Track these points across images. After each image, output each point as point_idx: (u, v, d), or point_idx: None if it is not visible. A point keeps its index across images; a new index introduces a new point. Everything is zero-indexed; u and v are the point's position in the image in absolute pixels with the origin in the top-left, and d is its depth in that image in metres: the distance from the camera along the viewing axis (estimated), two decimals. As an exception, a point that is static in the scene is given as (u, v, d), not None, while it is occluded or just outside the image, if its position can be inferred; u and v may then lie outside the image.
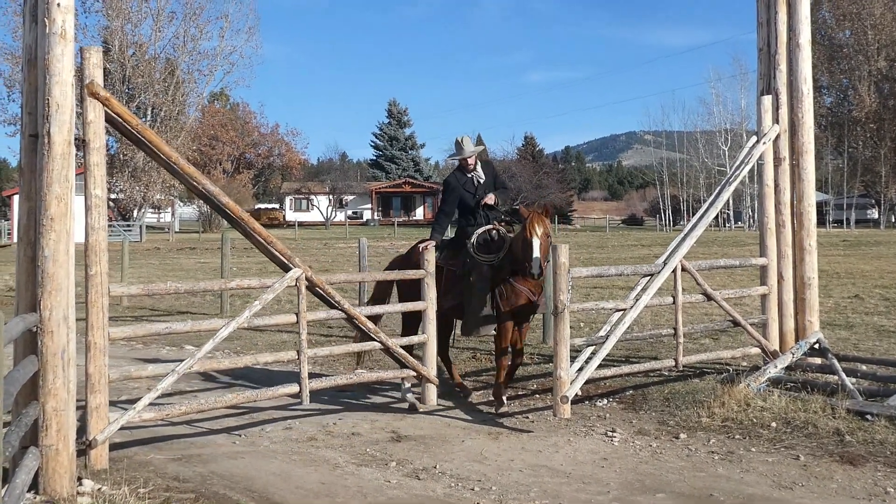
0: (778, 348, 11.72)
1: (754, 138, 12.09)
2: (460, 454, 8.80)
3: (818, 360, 11.38)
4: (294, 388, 9.45)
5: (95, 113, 7.80)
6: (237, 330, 9.27)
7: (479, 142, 11.36)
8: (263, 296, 9.32)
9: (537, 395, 11.22)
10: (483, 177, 11.22)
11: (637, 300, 10.59)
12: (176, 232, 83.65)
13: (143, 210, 77.85)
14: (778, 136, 12.00)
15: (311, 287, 9.56)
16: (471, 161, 11.19)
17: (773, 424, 9.42)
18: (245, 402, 9.71)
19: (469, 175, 11.20)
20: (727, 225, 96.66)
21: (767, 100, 12.03)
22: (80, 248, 7.45)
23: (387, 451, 8.93)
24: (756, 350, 11.81)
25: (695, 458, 8.56)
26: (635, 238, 67.20)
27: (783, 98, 12.01)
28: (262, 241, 9.31)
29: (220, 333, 8.81)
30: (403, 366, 10.47)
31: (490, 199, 11.05)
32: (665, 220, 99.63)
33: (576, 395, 10.01)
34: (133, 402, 9.06)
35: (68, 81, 7.14)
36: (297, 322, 9.48)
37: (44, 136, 7.08)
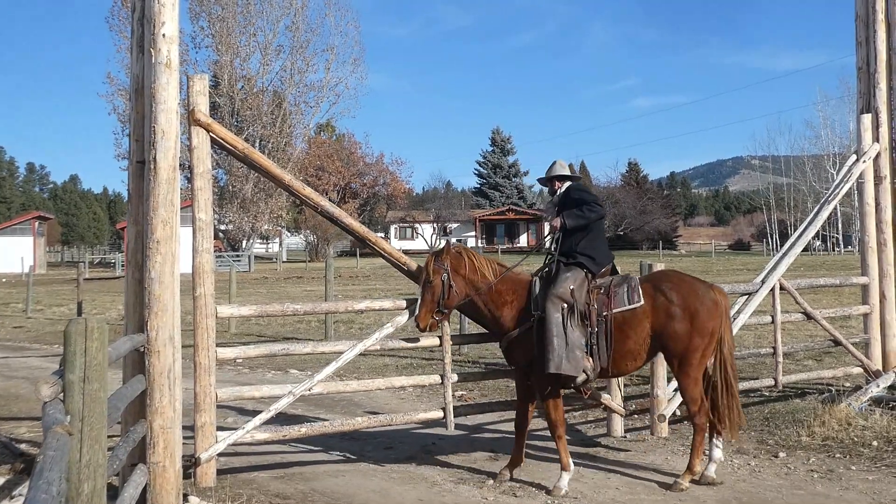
0: (881, 367, 11.57)
1: (854, 157, 11.98)
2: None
3: (923, 380, 11.20)
4: (437, 414, 9.21)
5: (199, 139, 8.09)
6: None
7: (571, 170, 9.85)
8: (396, 318, 8.92)
9: (635, 416, 11.21)
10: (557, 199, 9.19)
11: (734, 319, 10.56)
12: (283, 261, 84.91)
13: (251, 240, 79.08)
14: (878, 155, 11.88)
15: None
16: (555, 185, 9.16)
17: (875, 443, 9.33)
18: (377, 426, 9.56)
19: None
20: (836, 249, 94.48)
21: (867, 118, 11.92)
22: (187, 278, 7.66)
23: (484, 470, 9.04)
24: (858, 369, 11.70)
25: (793, 476, 8.52)
26: (741, 262, 66.18)
27: (883, 116, 11.89)
28: (395, 260, 9.29)
29: (345, 356, 8.75)
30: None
31: (553, 223, 8.85)
32: (772, 245, 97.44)
33: (674, 414, 10.03)
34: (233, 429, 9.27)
35: (173, 109, 7.40)
36: (441, 345, 9.08)
37: (150, 161, 7.32)
